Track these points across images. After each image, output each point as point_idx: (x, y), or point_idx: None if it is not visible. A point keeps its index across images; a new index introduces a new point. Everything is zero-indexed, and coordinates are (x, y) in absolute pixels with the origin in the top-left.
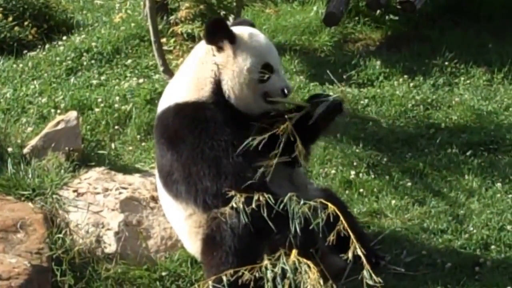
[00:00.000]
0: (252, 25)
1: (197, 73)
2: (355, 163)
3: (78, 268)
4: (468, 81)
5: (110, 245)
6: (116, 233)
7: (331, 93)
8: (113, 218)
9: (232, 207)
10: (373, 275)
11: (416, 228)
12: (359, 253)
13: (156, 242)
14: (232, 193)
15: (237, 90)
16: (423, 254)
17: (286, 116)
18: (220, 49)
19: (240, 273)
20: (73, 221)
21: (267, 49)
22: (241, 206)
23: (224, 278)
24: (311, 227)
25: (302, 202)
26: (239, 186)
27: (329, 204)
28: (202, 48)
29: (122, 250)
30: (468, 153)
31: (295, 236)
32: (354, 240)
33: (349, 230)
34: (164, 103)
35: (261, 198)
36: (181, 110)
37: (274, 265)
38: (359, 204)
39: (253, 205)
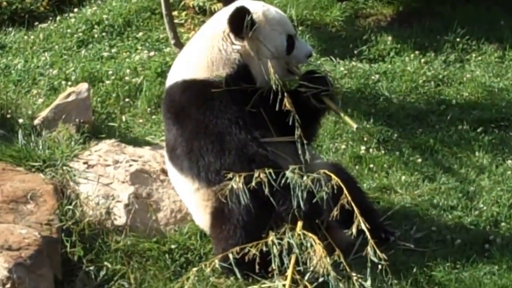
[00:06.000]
0: None
1: (209, 54)
2: (365, 139)
3: (87, 240)
4: (479, 58)
5: (120, 217)
6: (126, 206)
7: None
8: (123, 191)
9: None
10: (377, 251)
11: (426, 204)
12: (363, 228)
13: (166, 214)
14: (231, 175)
15: (269, 70)
16: (432, 230)
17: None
18: (242, 38)
19: (247, 250)
20: (83, 192)
21: (284, 22)
22: (241, 186)
23: (231, 256)
24: (315, 199)
25: (305, 174)
26: (242, 162)
27: (333, 176)
28: (217, 32)
29: (132, 222)
30: (479, 130)
31: (300, 207)
32: (358, 215)
33: (353, 204)
34: (172, 78)
35: (263, 173)
36: (189, 87)
37: (280, 240)
38: (369, 179)
39: (256, 181)
